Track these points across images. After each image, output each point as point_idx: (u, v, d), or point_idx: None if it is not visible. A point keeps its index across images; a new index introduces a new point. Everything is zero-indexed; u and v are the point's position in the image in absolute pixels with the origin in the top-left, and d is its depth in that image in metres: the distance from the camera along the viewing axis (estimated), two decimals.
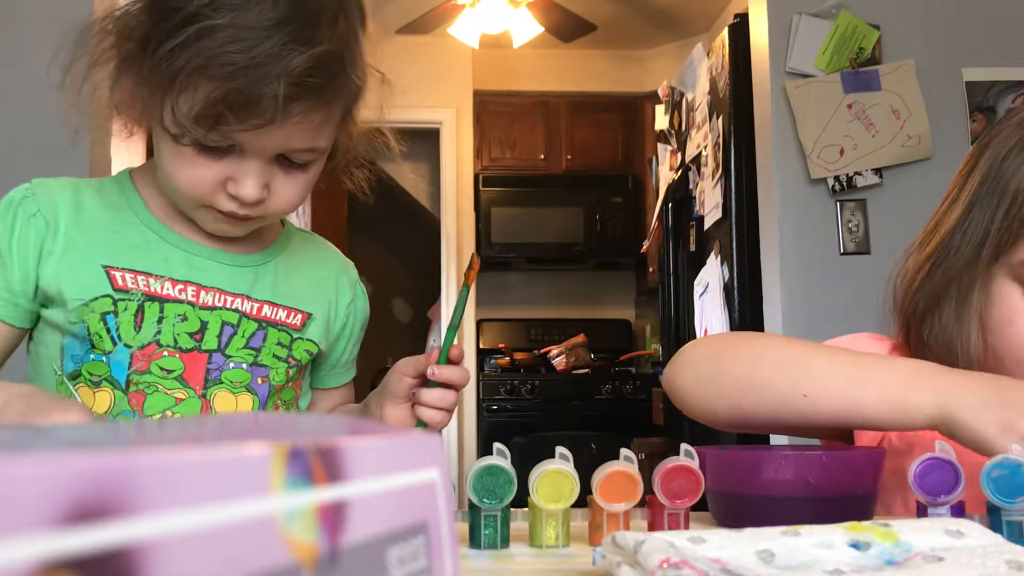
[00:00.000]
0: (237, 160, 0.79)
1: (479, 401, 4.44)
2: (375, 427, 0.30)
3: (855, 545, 0.49)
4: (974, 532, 0.51)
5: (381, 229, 6.26)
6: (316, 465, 0.24)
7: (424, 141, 5.07)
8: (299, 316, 0.93)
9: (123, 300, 0.84)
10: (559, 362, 4.56)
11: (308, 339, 0.94)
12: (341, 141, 0.88)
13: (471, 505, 0.67)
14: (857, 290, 2.45)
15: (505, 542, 0.67)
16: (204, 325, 0.87)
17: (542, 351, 4.65)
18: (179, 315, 0.86)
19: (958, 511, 0.68)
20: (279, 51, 0.72)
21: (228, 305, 0.89)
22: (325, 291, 0.97)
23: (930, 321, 0.85)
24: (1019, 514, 0.64)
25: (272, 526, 0.22)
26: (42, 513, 0.17)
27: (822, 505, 0.70)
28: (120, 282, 0.85)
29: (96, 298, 0.84)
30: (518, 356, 4.59)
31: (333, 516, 0.24)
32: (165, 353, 0.85)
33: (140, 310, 0.85)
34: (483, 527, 0.66)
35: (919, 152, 2.47)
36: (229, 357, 0.88)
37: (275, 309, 0.92)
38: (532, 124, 4.79)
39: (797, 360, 0.78)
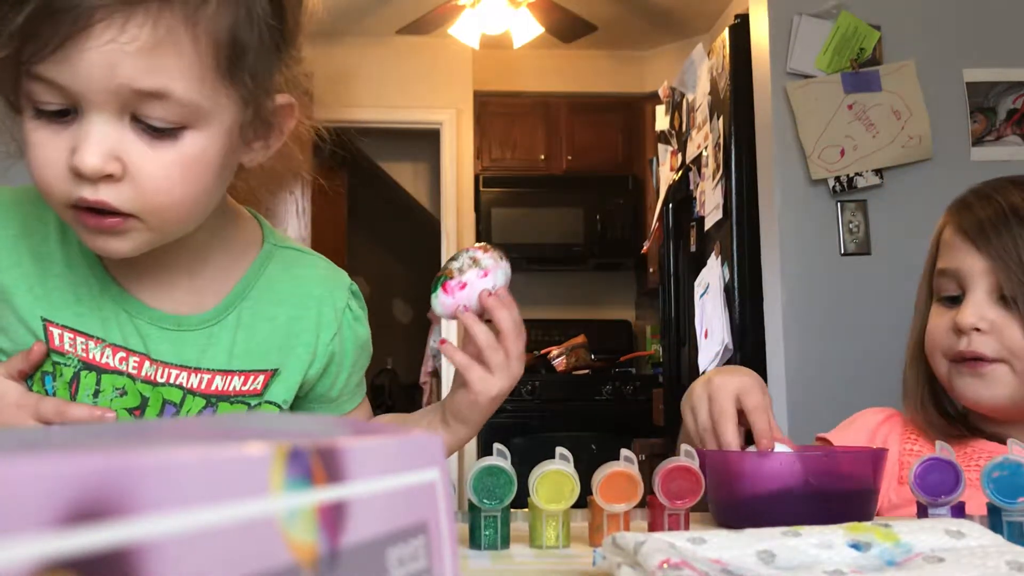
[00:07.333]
0: (78, 124, 0.64)
1: None
2: (375, 427, 0.30)
3: (855, 545, 0.49)
4: (974, 532, 0.51)
5: (381, 229, 6.26)
6: (316, 465, 0.24)
7: (424, 141, 5.07)
8: (260, 378, 0.80)
9: (59, 364, 0.74)
10: (559, 363, 4.56)
11: (268, 401, 0.81)
12: (244, 121, 0.69)
13: (471, 506, 0.67)
14: (857, 291, 2.45)
15: (505, 543, 0.67)
16: (145, 402, 0.76)
17: (542, 352, 4.65)
18: (117, 388, 0.75)
19: (958, 511, 0.68)
20: None
21: (171, 380, 0.77)
22: (300, 333, 0.82)
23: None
24: (1019, 514, 0.64)
25: (272, 526, 0.22)
26: (42, 513, 0.17)
27: (822, 505, 0.70)
28: (57, 342, 0.74)
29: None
30: None
31: (333, 516, 0.24)
32: None
33: (76, 378, 0.74)
34: (483, 528, 0.66)
35: (920, 153, 2.47)
36: None
37: (228, 378, 0.79)
38: (532, 124, 4.79)
39: None
